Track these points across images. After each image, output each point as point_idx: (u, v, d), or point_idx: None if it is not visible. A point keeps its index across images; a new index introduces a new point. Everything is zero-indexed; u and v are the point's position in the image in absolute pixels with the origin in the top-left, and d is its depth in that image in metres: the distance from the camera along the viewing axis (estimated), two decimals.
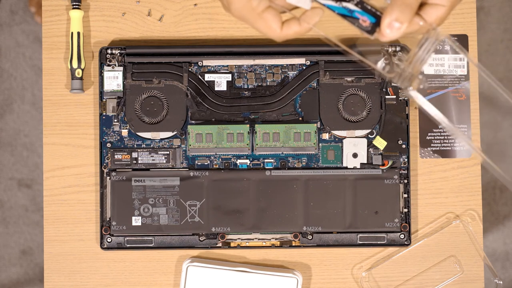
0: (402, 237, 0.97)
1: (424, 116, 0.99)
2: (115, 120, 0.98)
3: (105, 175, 0.97)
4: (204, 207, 0.97)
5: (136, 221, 0.97)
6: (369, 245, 0.97)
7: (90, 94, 1.00)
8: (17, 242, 1.69)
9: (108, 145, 0.98)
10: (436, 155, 0.99)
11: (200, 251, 0.99)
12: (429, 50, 0.70)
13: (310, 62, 0.98)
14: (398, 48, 0.97)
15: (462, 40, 1.00)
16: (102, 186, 0.97)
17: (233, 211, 0.96)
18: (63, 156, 0.99)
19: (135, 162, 0.97)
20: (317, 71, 0.98)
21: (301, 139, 0.97)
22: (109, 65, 0.98)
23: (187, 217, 0.97)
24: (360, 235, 0.97)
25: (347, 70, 0.97)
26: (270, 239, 0.97)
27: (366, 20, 0.67)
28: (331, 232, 0.98)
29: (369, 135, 0.98)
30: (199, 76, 0.98)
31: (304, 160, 0.98)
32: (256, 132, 0.97)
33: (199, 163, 0.98)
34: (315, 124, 0.97)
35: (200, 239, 0.97)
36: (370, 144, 0.98)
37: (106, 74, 0.98)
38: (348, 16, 0.67)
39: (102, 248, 0.97)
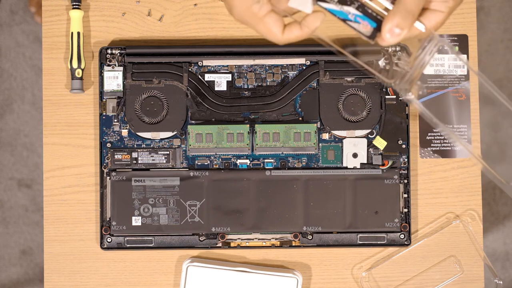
0: (402, 237, 0.97)
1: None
2: (115, 120, 0.98)
3: (105, 175, 0.97)
4: (204, 207, 0.97)
5: (136, 221, 0.97)
6: (369, 245, 0.97)
7: (90, 94, 1.00)
8: (17, 242, 1.69)
9: (108, 145, 0.98)
10: (436, 155, 0.99)
11: (200, 251, 0.99)
12: (431, 53, 0.70)
13: (310, 62, 0.98)
14: (398, 48, 0.97)
15: (462, 40, 1.00)
16: (102, 186, 0.97)
17: (233, 211, 0.96)
18: (63, 156, 0.99)
19: (135, 162, 0.97)
20: (317, 71, 0.98)
21: (301, 139, 0.97)
22: (109, 65, 0.98)
23: (187, 217, 0.97)
24: (360, 235, 0.97)
25: (347, 70, 0.97)
26: (270, 239, 0.97)
27: (367, 25, 0.68)
28: (331, 232, 0.98)
29: (369, 135, 0.98)
30: (199, 76, 0.98)
31: (304, 160, 0.98)
32: (256, 132, 0.97)
33: (199, 163, 0.98)
34: (315, 124, 0.97)
35: (200, 239, 0.97)
36: (370, 144, 0.98)
37: (106, 74, 0.98)
38: (349, 20, 0.68)
39: (102, 248, 0.97)
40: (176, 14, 1.00)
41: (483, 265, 0.99)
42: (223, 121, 0.98)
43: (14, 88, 1.70)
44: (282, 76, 0.98)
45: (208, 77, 0.98)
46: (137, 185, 0.97)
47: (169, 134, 0.97)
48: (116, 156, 0.97)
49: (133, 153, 0.97)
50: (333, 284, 0.99)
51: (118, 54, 0.98)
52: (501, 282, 0.99)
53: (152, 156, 0.97)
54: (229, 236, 0.97)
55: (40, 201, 1.68)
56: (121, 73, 0.98)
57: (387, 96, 0.97)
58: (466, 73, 1.00)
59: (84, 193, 0.99)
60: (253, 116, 0.98)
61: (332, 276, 0.99)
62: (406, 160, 0.98)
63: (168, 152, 0.97)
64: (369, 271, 0.99)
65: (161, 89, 0.97)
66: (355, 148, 0.98)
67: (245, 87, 0.98)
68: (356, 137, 0.98)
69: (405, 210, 0.97)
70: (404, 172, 0.98)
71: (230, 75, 0.98)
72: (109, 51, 0.98)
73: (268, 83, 0.98)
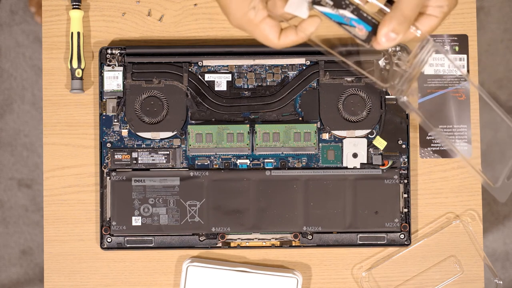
0: (402, 237, 0.97)
1: None
2: (115, 120, 0.98)
3: (105, 175, 0.97)
4: (204, 207, 0.97)
5: (136, 221, 0.97)
6: (369, 245, 0.97)
7: (90, 94, 1.00)
8: (17, 242, 1.69)
9: (108, 145, 0.98)
10: (436, 155, 0.99)
11: (200, 251, 0.99)
12: (426, 56, 0.70)
13: (310, 62, 0.98)
14: (398, 48, 0.97)
15: (462, 40, 1.00)
16: (102, 186, 0.97)
17: (233, 211, 0.96)
18: (63, 156, 0.99)
19: (135, 162, 0.97)
20: (317, 71, 0.98)
21: (301, 139, 0.97)
22: (109, 65, 0.98)
23: (187, 217, 0.97)
24: (360, 235, 0.97)
25: (347, 70, 0.97)
26: (270, 239, 0.97)
27: (362, 29, 0.68)
28: (331, 232, 0.98)
29: (369, 135, 0.98)
30: (199, 76, 0.98)
31: (304, 160, 0.98)
32: (256, 132, 0.97)
33: (199, 163, 0.98)
34: (315, 124, 0.97)
35: (200, 239, 0.97)
36: (370, 144, 0.98)
37: (106, 74, 0.98)
38: (344, 24, 0.68)
39: (102, 248, 0.97)
40: (176, 14, 1.00)
41: (483, 265, 0.99)
42: (223, 121, 0.98)
43: (14, 88, 1.70)
44: (282, 76, 0.98)
45: (208, 77, 0.98)
46: (137, 185, 0.97)
47: (169, 134, 0.97)
48: (116, 156, 0.97)
49: (133, 153, 0.97)
50: (333, 284, 0.99)
51: (118, 54, 0.98)
52: (501, 282, 0.99)
53: (152, 156, 0.97)
54: (229, 236, 0.97)
55: (40, 201, 1.68)
56: (121, 73, 0.98)
57: (387, 96, 0.97)
58: (466, 73, 1.00)
59: (84, 193, 0.99)
60: (253, 116, 0.98)
61: (332, 276, 0.99)
62: (406, 160, 0.98)
63: (168, 152, 0.97)
64: (369, 271, 0.99)
65: (161, 89, 0.97)
66: (355, 148, 0.98)
67: (245, 87, 0.98)
68: (356, 137, 0.98)
69: (405, 210, 0.97)
70: (404, 172, 0.98)
71: (230, 75, 0.98)
72: (109, 51, 0.98)
73: (268, 83, 0.98)
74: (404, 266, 0.99)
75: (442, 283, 0.99)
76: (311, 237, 0.97)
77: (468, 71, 1.00)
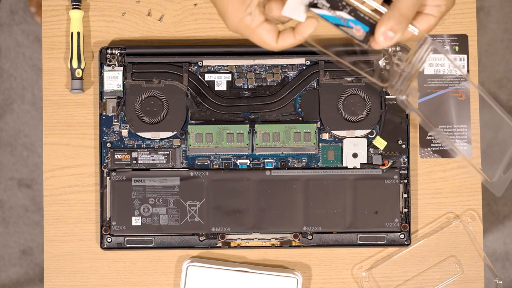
0: (402, 237, 0.97)
1: None
2: (115, 120, 0.98)
3: (105, 175, 0.97)
4: (204, 207, 0.97)
5: (136, 221, 0.97)
6: (369, 245, 0.97)
7: (90, 94, 1.00)
8: (17, 242, 1.69)
9: (108, 145, 0.98)
10: (436, 155, 0.99)
11: (200, 251, 0.99)
12: (424, 55, 0.71)
13: (310, 62, 0.98)
14: (398, 48, 0.97)
15: (462, 40, 1.00)
16: (102, 186, 0.97)
17: (233, 211, 0.96)
18: (63, 156, 0.99)
19: (135, 162, 0.97)
20: (317, 71, 0.98)
21: (301, 139, 0.97)
22: (109, 65, 0.98)
23: (187, 217, 0.97)
24: (360, 235, 0.97)
25: (347, 70, 0.97)
26: (270, 239, 0.97)
27: (359, 30, 0.68)
28: (331, 232, 0.98)
29: (369, 135, 0.98)
30: (199, 76, 0.98)
31: (304, 160, 0.98)
32: (256, 132, 0.97)
33: (199, 163, 0.98)
34: (315, 124, 0.97)
35: (200, 239, 0.97)
36: (370, 144, 0.98)
37: (106, 74, 0.98)
38: (342, 25, 0.68)
39: (102, 248, 0.97)
40: (176, 14, 1.00)
41: (483, 265, 0.99)
42: (223, 121, 0.98)
43: (14, 88, 1.70)
44: (282, 76, 0.98)
45: (208, 77, 0.98)
46: (137, 185, 0.97)
47: (169, 134, 0.97)
48: (116, 156, 0.97)
49: (133, 153, 0.97)
50: (333, 284, 0.99)
51: (118, 54, 0.98)
52: (501, 282, 0.99)
53: (152, 156, 0.97)
54: (229, 236, 0.97)
55: (40, 201, 1.68)
56: (121, 73, 0.98)
57: (387, 96, 0.98)
58: (466, 73, 0.99)
59: (84, 193, 0.99)
60: (253, 116, 0.98)
61: (332, 276, 0.99)
62: (406, 160, 0.98)
63: (168, 152, 0.97)
64: (369, 271, 0.99)
65: (161, 89, 0.97)
66: (355, 148, 0.98)
67: (245, 87, 0.98)
68: (356, 137, 0.98)
69: (405, 210, 0.97)
70: (404, 172, 0.98)
71: (230, 75, 0.98)
72: (109, 51, 0.98)
73: (268, 83, 0.98)
74: (404, 266, 0.99)
75: (442, 283, 0.99)
76: (311, 237, 0.97)
77: (468, 71, 1.00)
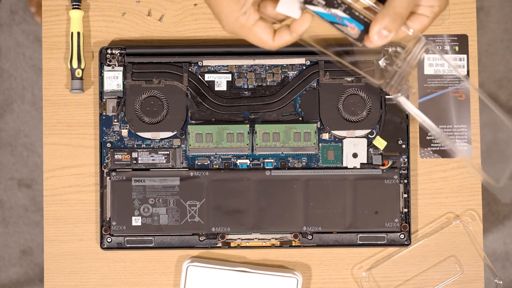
0: (402, 237, 0.97)
1: None
2: (115, 120, 0.98)
3: (105, 175, 0.97)
4: (204, 207, 0.97)
5: (136, 221, 0.97)
6: (369, 245, 0.97)
7: (90, 94, 1.00)
8: (17, 242, 1.69)
9: (108, 145, 0.98)
10: (436, 155, 0.99)
11: (200, 251, 0.99)
12: (418, 55, 0.71)
13: (310, 62, 0.98)
14: (398, 49, 0.97)
15: (462, 40, 1.00)
16: (102, 186, 0.97)
17: (233, 211, 0.96)
18: (63, 156, 0.99)
19: (135, 162, 0.97)
20: (317, 71, 0.98)
21: (301, 139, 0.97)
22: (109, 65, 0.98)
23: (187, 217, 0.97)
24: (360, 235, 0.97)
25: (347, 70, 0.97)
26: (270, 239, 0.97)
27: (354, 28, 0.69)
28: (331, 232, 0.98)
29: (369, 135, 0.98)
30: (199, 76, 0.98)
31: (304, 160, 0.98)
32: (256, 132, 0.97)
33: (199, 163, 0.98)
34: (315, 124, 0.97)
35: (200, 239, 0.97)
36: (370, 144, 0.98)
37: (106, 74, 0.98)
38: (337, 23, 0.68)
39: (102, 248, 0.97)
40: (176, 14, 1.00)
41: (483, 265, 0.99)
42: (223, 121, 0.98)
43: (14, 88, 1.70)
44: (282, 76, 0.98)
45: (208, 77, 0.98)
46: (137, 185, 0.97)
47: (169, 134, 0.97)
48: (116, 156, 0.97)
49: (133, 153, 0.97)
50: (333, 284, 0.99)
51: (118, 54, 0.98)
52: (501, 282, 0.99)
53: (152, 156, 0.97)
54: (229, 236, 0.97)
55: (40, 201, 1.68)
56: (121, 73, 0.98)
57: (387, 96, 0.98)
58: (466, 73, 1.00)
59: (84, 193, 0.99)
60: (253, 116, 0.98)
61: (332, 276, 0.99)
62: (406, 160, 0.98)
63: (168, 152, 0.97)
64: (369, 271, 0.99)
65: (161, 89, 0.97)
66: (355, 148, 0.98)
67: (245, 87, 0.98)
68: (356, 137, 0.98)
69: (405, 210, 0.97)
70: (404, 172, 0.98)
71: (230, 75, 0.98)
72: (109, 51, 0.98)
73: (268, 83, 0.98)
74: (404, 266, 0.99)
75: (442, 283, 0.99)
76: (311, 237, 0.97)
77: (468, 71, 1.00)
